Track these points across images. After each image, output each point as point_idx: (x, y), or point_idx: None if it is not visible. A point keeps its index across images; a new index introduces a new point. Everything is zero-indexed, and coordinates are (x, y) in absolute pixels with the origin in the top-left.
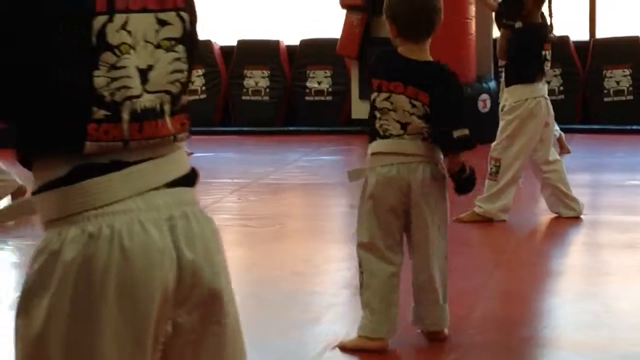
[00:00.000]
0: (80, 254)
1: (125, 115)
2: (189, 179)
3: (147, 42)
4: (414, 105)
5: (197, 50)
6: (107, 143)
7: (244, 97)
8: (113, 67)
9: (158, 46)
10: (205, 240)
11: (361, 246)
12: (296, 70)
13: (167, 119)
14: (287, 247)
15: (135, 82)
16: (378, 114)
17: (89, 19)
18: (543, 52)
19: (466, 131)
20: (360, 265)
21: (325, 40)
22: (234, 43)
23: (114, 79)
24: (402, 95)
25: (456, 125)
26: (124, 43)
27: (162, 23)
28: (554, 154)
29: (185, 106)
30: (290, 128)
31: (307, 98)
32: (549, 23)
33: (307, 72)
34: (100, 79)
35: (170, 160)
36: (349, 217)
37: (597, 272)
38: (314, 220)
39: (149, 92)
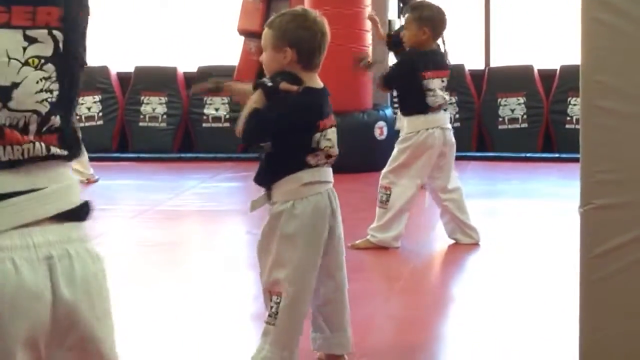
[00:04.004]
0: None
1: None
2: (79, 212)
3: (11, 58)
4: (334, 132)
5: (73, 72)
6: None
7: (141, 124)
8: None
9: (25, 63)
10: (87, 281)
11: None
12: (193, 96)
13: (32, 138)
14: (185, 274)
15: None
16: (317, 152)
17: None
18: (424, 82)
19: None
20: (280, 295)
21: (223, 67)
22: (131, 69)
23: None
24: (333, 127)
25: None
26: None
27: (31, 40)
28: (454, 182)
29: (57, 128)
30: (188, 155)
31: (204, 124)
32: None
33: (205, 98)
34: None
35: (54, 193)
36: (247, 244)
37: (492, 299)
38: (212, 247)
39: (10, 110)
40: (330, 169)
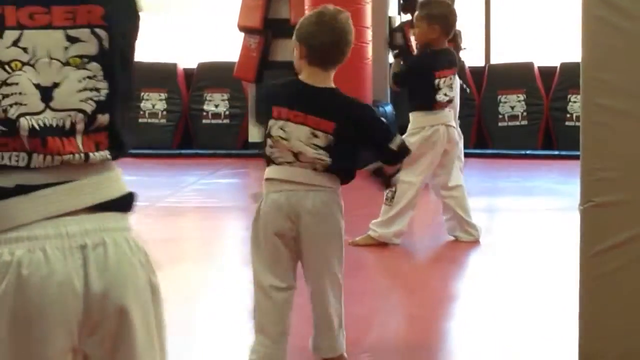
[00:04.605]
0: None
1: (23, 132)
2: (120, 203)
3: (52, 59)
4: (315, 136)
5: (122, 70)
6: (9, 153)
7: (141, 120)
8: (4, 83)
9: (66, 63)
10: (122, 269)
11: (255, 272)
12: (193, 93)
13: (78, 138)
14: (183, 270)
15: (31, 99)
16: (270, 142)
17: None
18: (435, 81)
19: (399, 139)
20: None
21: (223, 64)
22: None
23: (5, 96)
24: (302, 125)
25: (390, 139)
26: (15, 60)
27: (73, 40)
28: (456, 180)
29: (106, 126)
30: (187, 151)
31: (204, 121)
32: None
33: (205, 95)
34: None
35: (91, 184)
36: (246, 240)
37: (492, 297)
38: (211, 244)
39: (54, 110)
40: (306, 170)
